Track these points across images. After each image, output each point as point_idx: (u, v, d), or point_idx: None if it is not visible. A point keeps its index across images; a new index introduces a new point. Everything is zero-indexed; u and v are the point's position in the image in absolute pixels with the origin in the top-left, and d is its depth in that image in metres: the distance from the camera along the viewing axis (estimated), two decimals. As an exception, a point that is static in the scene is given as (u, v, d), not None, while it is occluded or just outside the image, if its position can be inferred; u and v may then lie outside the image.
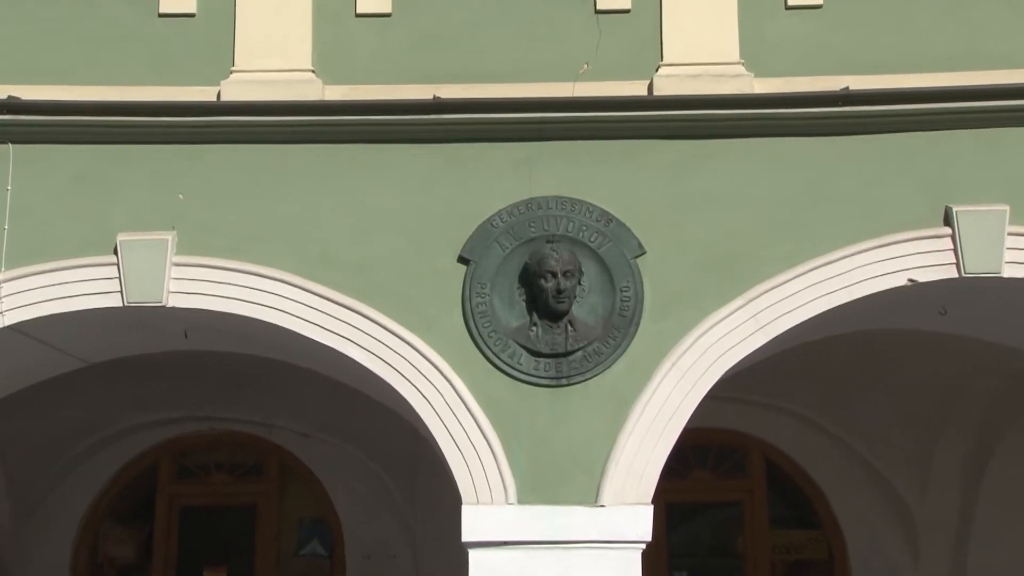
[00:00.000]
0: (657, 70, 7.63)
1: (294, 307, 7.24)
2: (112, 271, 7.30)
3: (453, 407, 7.10)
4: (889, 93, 7.41)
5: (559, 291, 7.13)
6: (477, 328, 7.20)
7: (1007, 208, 7.27)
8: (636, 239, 7.32)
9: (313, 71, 7.70)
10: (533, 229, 7.34)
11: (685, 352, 7.14)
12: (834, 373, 9.62)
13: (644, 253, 7.30)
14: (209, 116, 7.48)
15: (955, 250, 7.24)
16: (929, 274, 7.26)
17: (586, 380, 7.15)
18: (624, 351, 7.17)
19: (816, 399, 10.15)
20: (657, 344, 7.18)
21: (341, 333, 7.21)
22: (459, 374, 7.15)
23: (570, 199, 7.37)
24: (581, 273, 7.24)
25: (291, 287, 7.26)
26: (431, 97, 7.45)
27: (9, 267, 7.32)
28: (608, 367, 7.16)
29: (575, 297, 7.21)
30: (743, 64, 7.64)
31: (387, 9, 7.76)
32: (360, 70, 7.73)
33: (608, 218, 7.35)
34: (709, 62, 7.62)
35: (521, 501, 7.04)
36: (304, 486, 10.91)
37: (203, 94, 7.62)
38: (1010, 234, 7.23)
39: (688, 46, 7.64)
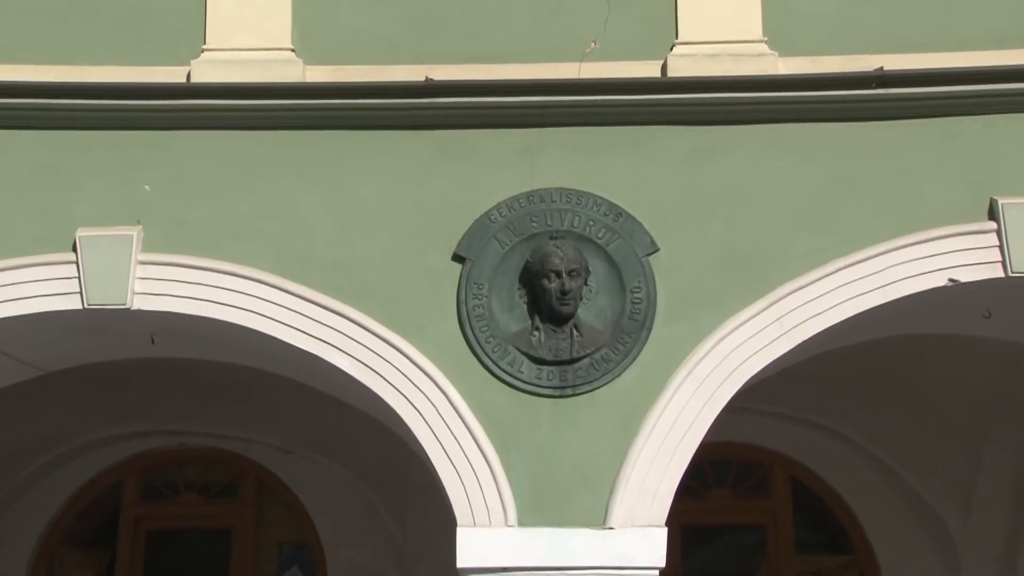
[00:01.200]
0: (671, 49, 7.63)
1: (273, 310, 7.24)
2: (71, 270, 7.30)
3: (447, 419, 7.10)
4: (928, 74, 7.42)
5: (564, 292, 7.13)
6: (473, 333, 7.20)
7: (1058, 201, 7.28)
8: (648, 235, 7.32)
9: (293, 50, 7.70)
10: (535, 224, 7.34)
11: (702, 359, 7.14)
12: (867, 382, 9.61)
13: (657, 250, 7.31)
14: (178, 99, 7.49)
15: (1001, 247, 7.24)
16: (972, 273, 7.26)
17: (593, 390, 7.16)
18: (635, 358, 7.17)
19: (847, 411, 10.14)
20: (671, 350, 7.19)
21: (324, 338, 7.22)
22: (454, 383, 7.16)
23: (576, 191, 7.37)
24: (588, 272, 7.25)
25: (269, 288, 7.26)
26: (423, 79, 7.45)
27: (-44, 266, 7.32)
28: (617, 375, 7.16)
29: (581, 299, 7.21)
30: (766, 42, 7.65)
31: (375, -18, 7.79)
32: (345, 49, 7.73)
33: (617, 212, 7.35)
34: (729, 40, 7.62)
35: (522, 523, 7.03)
36: (284, 507, 10.91)
37: (171, 75, 7.63)
38: (1062, 229, 7.24)
39: (706, 22, 7.65)
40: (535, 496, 7.07)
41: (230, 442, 10.70)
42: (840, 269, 7.26)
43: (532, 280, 7.24)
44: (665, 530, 7.04)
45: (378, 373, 7.17)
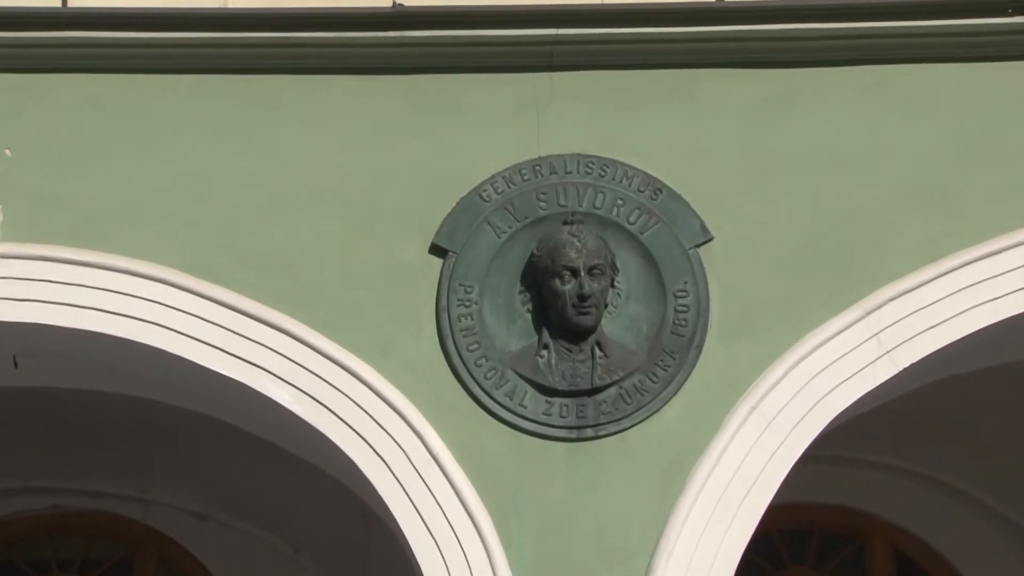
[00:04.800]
0: (730, -38, 7.72)
1: (182, 321, 7.29)
2: (-99, 267, 7.37)
3: (423, 472, 7.15)
4: (1085, -5, 7.50)
5: (582, 297, 7.19)
6: (459, 353, 7.26)
7: None
8: (698, 219, 7.40)
9: (210, -36, 7.79)
10: (543, 204, 7.41)
11: (772, 389, 7.20)
12: (1001, 423, 9.61)
13: (710, 240, 7.38)
14: (50, 31, 7.52)
15: None
16: None
17: (623, 431, 7.22)
18: (680, 387, 7.24)
19: (972, 461, 10.13)
20: (729, 377, 7.26)
21: (254, 361, 7.27)
22: (431, 422, 7.22)
23: (599, 159, 7.45)
24: (615, 270, 7.31)
25: (178, 291, 7.32)
26: (390, 4, 7.49)
27: None
28: (656, 411, 7.22)
29: (606, 306, 7.28)
30: (860, -48, 7.72)
31: None
32: (281, -37, 7.82)
33: (656, 187, 7.42)
34: (808, -49, 7.70)
35: (525, 611, 7.13)
36: (196, 593, 10.95)
37: (41, -2, 7.70)
38: None
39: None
40: (544, 574, 7.12)
41: (123, 504, 10.71)
42: (962, 265, 7.33)
43: (539, 281, 7.31)
44: (722, 623, 7.13)
45: (328, 408, 7.23)
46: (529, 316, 7.34)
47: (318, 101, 7.53)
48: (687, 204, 7.40)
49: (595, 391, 7.23)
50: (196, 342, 7.27)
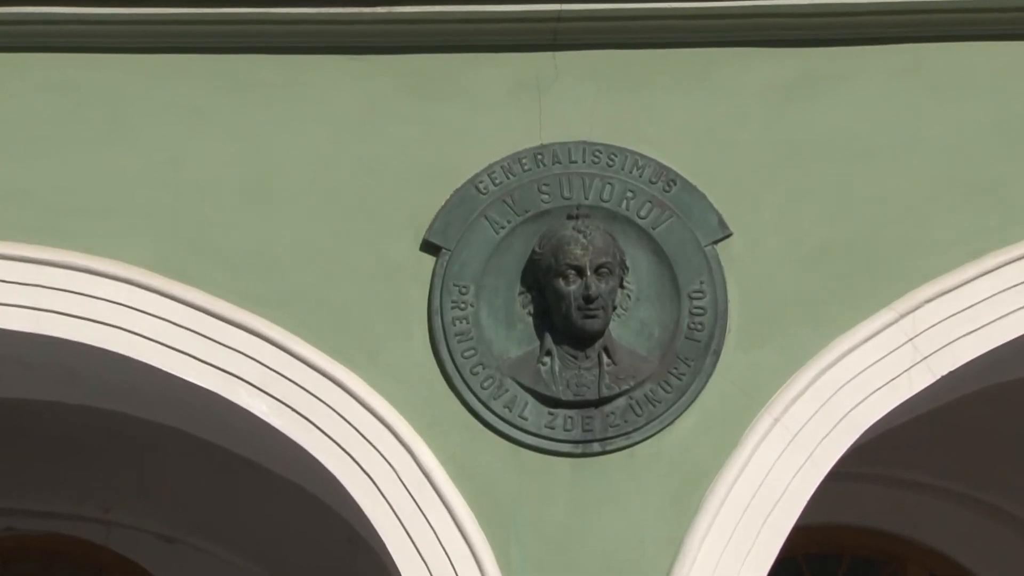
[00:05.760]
0: (754, -71, 7.73)
1: (150, 325, 7.30)
2: None
3: (413, 489, 7.15)
4: None
5: (588, 298, 7.20)
6: (453, 359, 7.27)
7: None
8: (716, 213, 7.41)
9: (180, -67, 7.79)
10: (545, 196, 7.43)
11: (797, 399, 7.21)
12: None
13: (729, 236, 7.40)
14: (5, 6, 7.50)
15: None
16: None
17: (633, 445, 7.22)
18: (696, 397, 7.25)
19: (1018, 482, 10.14)
20: (750, 386, 7.27)
21: (228, 368, 7.28)
22: (423, 436, 7.22)
23: (606, 147, 7.46)
24: (625, 269, 7.32)
25: (145, 292, 7.32)
26: (377, -23, 7.54)
27: None
28: (669, 424, 7.23)
29: (615, 309, 7.29)
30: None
31: None
32: (258, -68, 7.83)
33: (670, 178, 7.43)
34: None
35: (525, 643, 7.15)
36: (163, 623, 10.96)
37: (-2, -29, 7.71)
38: None
39: None
40: (545, 603, 7.19)
41: (83, 526, 10.72)
42: (1006, 263, 7.35)
43: (541, 281, 7.32)
44: (742, 656, 7.14)
45: (309, 420, 7.23)
46: (530, 319, 7.35)
47: (300, 83, 7.54)
48: (703, 197, 7.41)
49: (602, 402, 7.23)
50: (165, 348, 7.27)
